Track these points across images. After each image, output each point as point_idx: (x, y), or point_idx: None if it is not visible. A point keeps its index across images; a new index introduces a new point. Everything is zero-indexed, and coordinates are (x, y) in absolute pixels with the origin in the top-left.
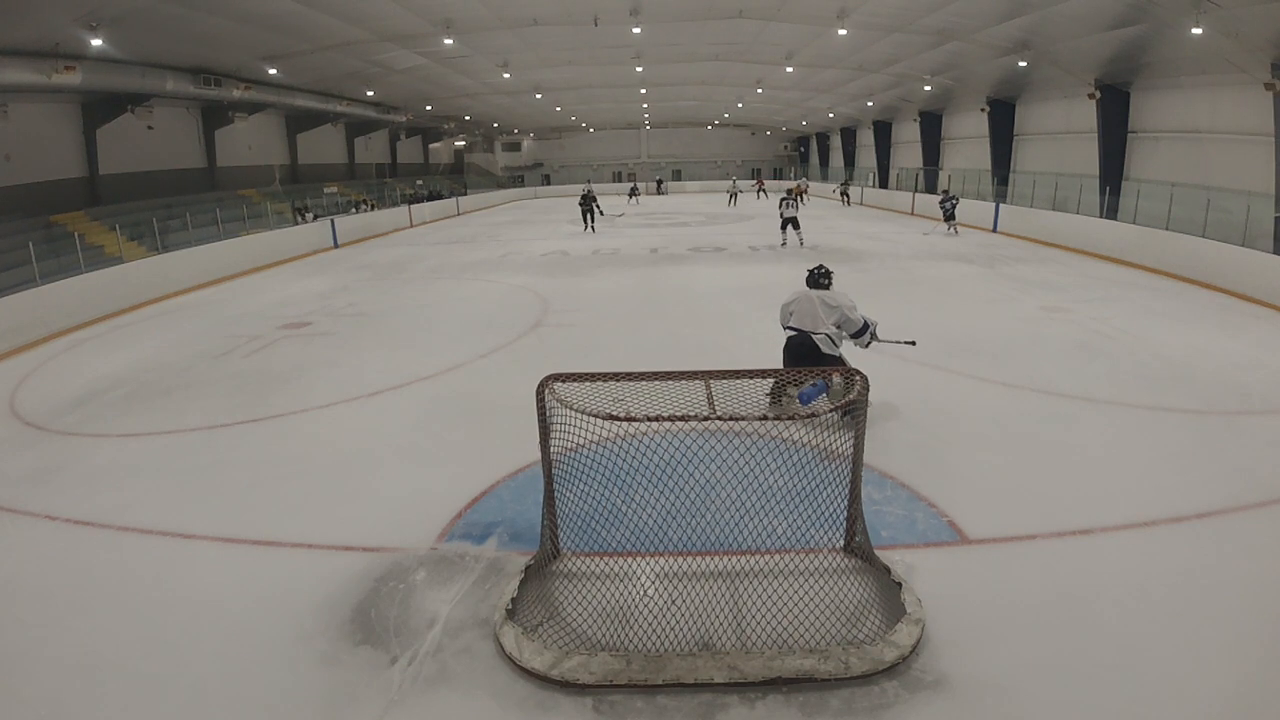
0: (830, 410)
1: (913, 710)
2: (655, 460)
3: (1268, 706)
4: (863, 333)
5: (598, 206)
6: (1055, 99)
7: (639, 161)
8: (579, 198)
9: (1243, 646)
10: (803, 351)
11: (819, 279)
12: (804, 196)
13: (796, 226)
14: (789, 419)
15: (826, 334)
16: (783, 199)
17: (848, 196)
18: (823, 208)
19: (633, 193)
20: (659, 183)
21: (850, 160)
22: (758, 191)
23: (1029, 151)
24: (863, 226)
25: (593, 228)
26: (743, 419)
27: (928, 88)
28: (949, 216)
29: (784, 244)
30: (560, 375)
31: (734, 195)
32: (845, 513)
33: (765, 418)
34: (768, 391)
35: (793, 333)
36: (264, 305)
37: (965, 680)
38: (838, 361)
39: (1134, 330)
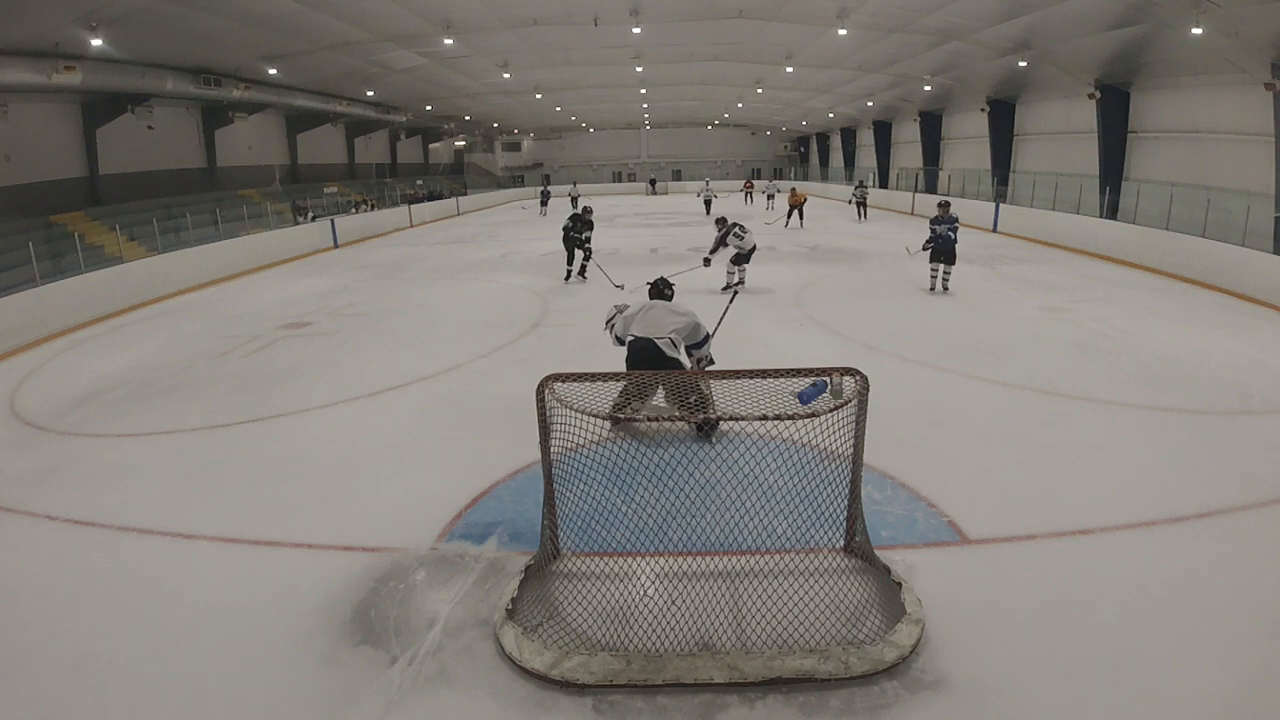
0: (830, 410)
1: (913, 710)
2: (655, 460)
3: (1268, 706)
4: (704, 344)
5: (586, 242)
6: (1055, 99)
7: (639, 161)
8: (566, 222)
9: (1243, 646)
10: (646, 355)
11: (663, 289)
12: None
13: (744, 260)
14: (789, 419)
15: (669, 338)
16: (724, 226)
17: (863, 208)
18: (823, 208)
19: (544, 199)
20: (652, 182)
21: (850, 160)
22: (746, 195)
23: (1029, 151)
24: (862, 226)
25: (579, 272)
26: (743, 419)
27: (928, 88)
28: (941, 253)
29: (730, 290)
30: (560, 375)
31: (709, 201)
32: (845, 513)
33: (765, 417)
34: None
35: (632, 339)
36: (264, 305)
37: (965, 680)
38: (679, 364)
39: (1134, 330)
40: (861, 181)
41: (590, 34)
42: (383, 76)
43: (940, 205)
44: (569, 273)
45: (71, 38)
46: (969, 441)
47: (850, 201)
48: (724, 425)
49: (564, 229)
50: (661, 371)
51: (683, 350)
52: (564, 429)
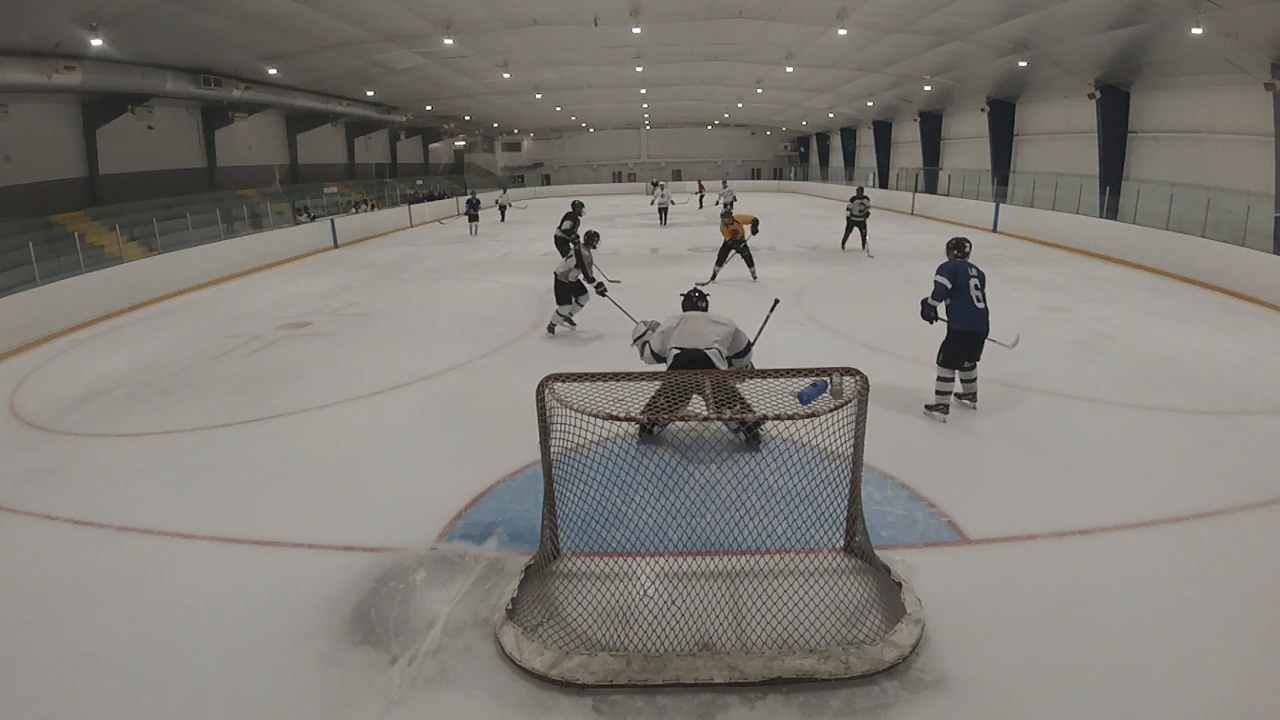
0: (830, 410)
1: (913, 710)
2: (655, 460)
3: (1267, 706)
4: (746, 352)
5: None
6: (1055, 99)
7: (639, 161)
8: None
9: (1242, 646)
10: (696, 367)
11: (696, 301)
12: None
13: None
14: (789, 419)
15: (716, 348)
16: None
17: (862, 229)
18: (822, 208)
19: (471, 212)
20: (655, 183)
21: (850, 160)
22: (699, 200)
23: (1029, 151)
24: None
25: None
26: (743, 419)
27: (928, 88)
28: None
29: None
30: (560, 375)
31: (664, 210)
32: (845, 513)
33: (765, 417)
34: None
35: (678, 352)
36: (264, 305)
37: (965, 680)
38: None
39: (1134, 330)
40: (861, 189)
41: (590, 34)
42: (383, 76)
43: (957, 245)
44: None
45: (71, 38)
46: (969, 441)
47: (850, 214)
48: (724, 426)
49: (564, 232)
50: (675, 371)
51: (725, 363)
52: (564, 429)
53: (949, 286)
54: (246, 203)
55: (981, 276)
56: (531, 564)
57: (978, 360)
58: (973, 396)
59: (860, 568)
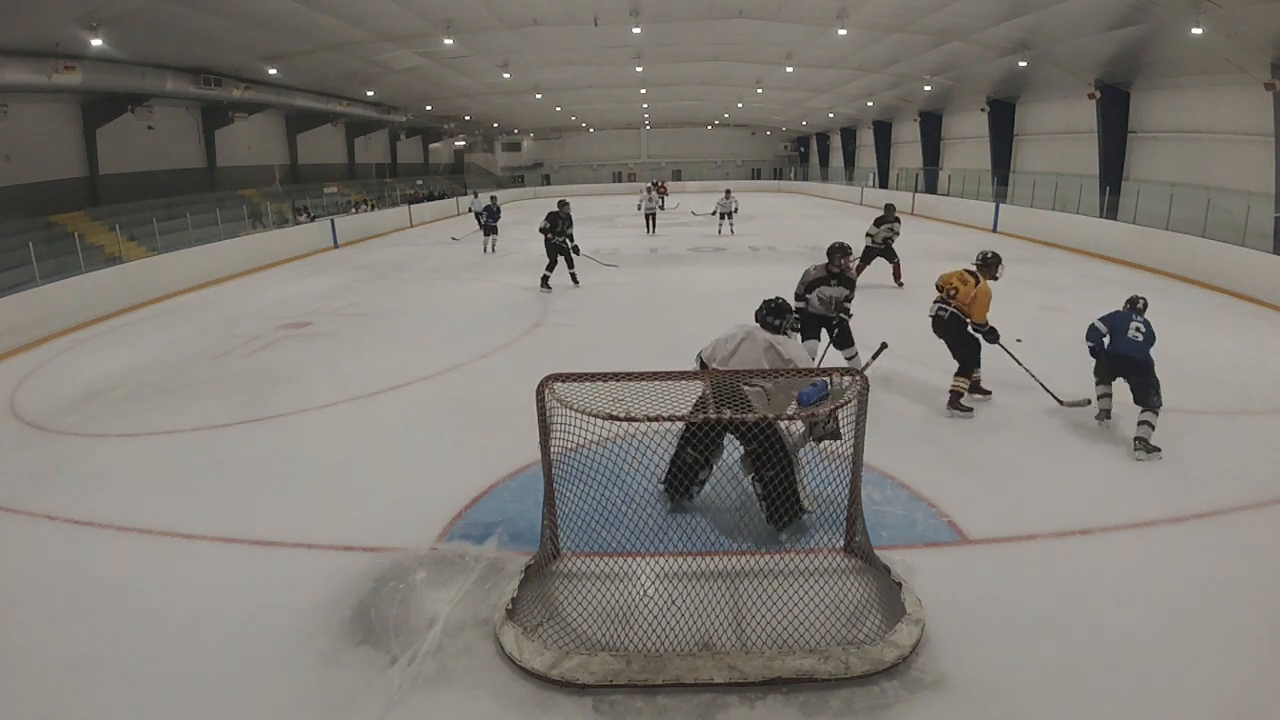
0: (830, 410)
1: (913, 710)
2: (655, 460)
3: (1268, 706)
4: (814, 397)
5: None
6: (1055, 99)
7: (639, 161)
8: (544, 223)
9: (1243, 646)
10: (723, 399)
11: (766, 316)
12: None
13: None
14: (789, 419)
15: (759, 387)
16: None
17: (891, 256)
18: (823, 208)
19: (489, 222)
20: (652, 185)
21: (850, 160)
22: (660, 199)
23: (1029, 151)
24: (863, 227)
25: (572, 279)
26: (743, 419)
27: (928, 88)
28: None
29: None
30: (560, 375)
31: (651, 215)
32: (845, 513)
33: (765, 418)
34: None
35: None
36: (264, 305)
37: (965, 680)
38: (768, 425)
39: None
40: (891, 208)
41: (590, 34)
42: (383, 76)
43: (1130, 300)
44: (545, 279)
45: (71, 38)
46: (969, 441)
47: (870, 241)
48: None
49: (541, 230)
50: (663, 371)
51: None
52: (564, 429)
53: (1102, 331)
54: (246, 203)
55: (1148, 327)
56: (531, 564)
57: (1113, 380)
58: (1107, 414)
59: (860, 568)
